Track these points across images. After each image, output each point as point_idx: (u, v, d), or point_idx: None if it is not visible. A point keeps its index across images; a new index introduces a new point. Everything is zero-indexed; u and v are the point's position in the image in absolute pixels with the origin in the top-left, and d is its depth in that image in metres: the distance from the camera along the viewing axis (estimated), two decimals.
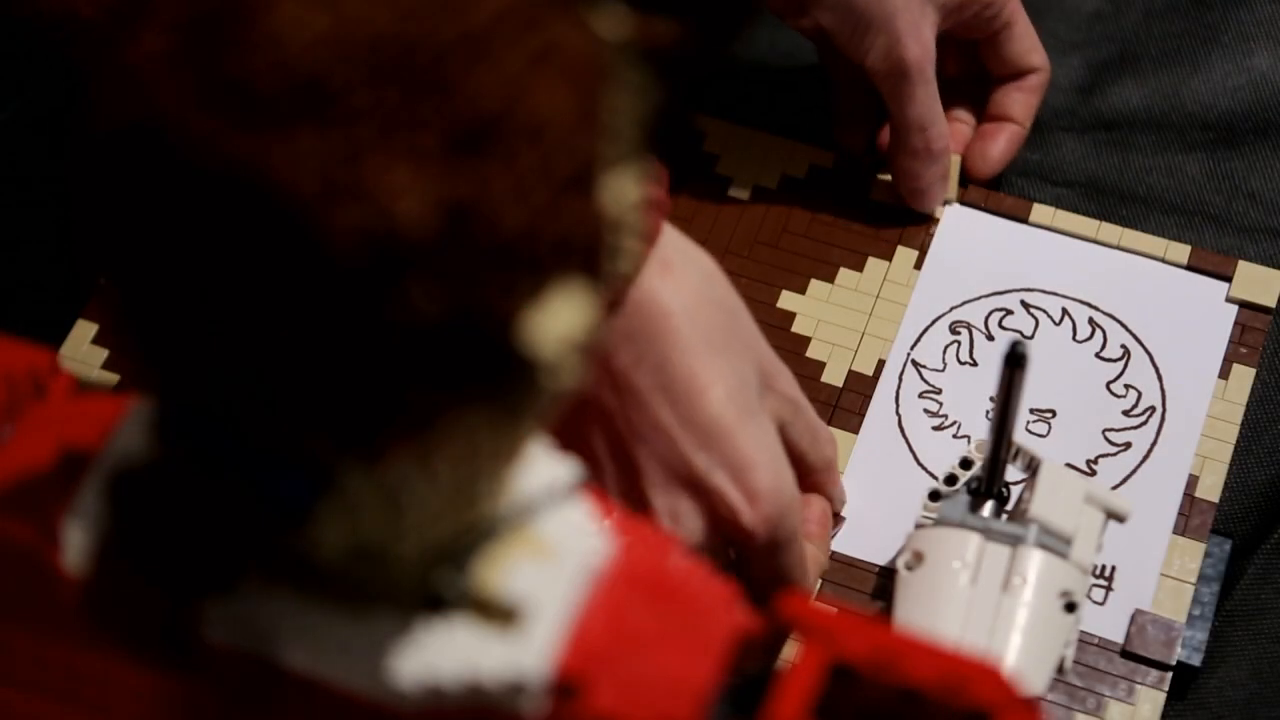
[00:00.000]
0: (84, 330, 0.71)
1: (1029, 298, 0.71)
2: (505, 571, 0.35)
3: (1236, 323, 0.70)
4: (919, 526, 0.59)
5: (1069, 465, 0.66)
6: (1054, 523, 0.56)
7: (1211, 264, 0.71)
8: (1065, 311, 0.71)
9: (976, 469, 0.59)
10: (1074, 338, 0.70)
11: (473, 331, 0.29)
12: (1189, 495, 0.66)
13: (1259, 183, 0.74)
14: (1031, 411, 0.68)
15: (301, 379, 0.29)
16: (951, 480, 0.60)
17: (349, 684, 0.35)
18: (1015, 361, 0.53)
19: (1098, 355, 0.69)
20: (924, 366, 0.69)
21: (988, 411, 0.67)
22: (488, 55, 0.29)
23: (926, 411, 0.68)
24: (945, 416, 0.68)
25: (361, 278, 0.28)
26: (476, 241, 0.29)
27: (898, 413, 0.68)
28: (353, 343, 0.29)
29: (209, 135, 0.28)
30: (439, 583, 0.34)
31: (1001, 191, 0.74)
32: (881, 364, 0.69)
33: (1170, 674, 0.63)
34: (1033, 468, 0.58)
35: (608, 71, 0.31)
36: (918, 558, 0.57)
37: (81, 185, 0.30)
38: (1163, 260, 0.72)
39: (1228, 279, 0.71)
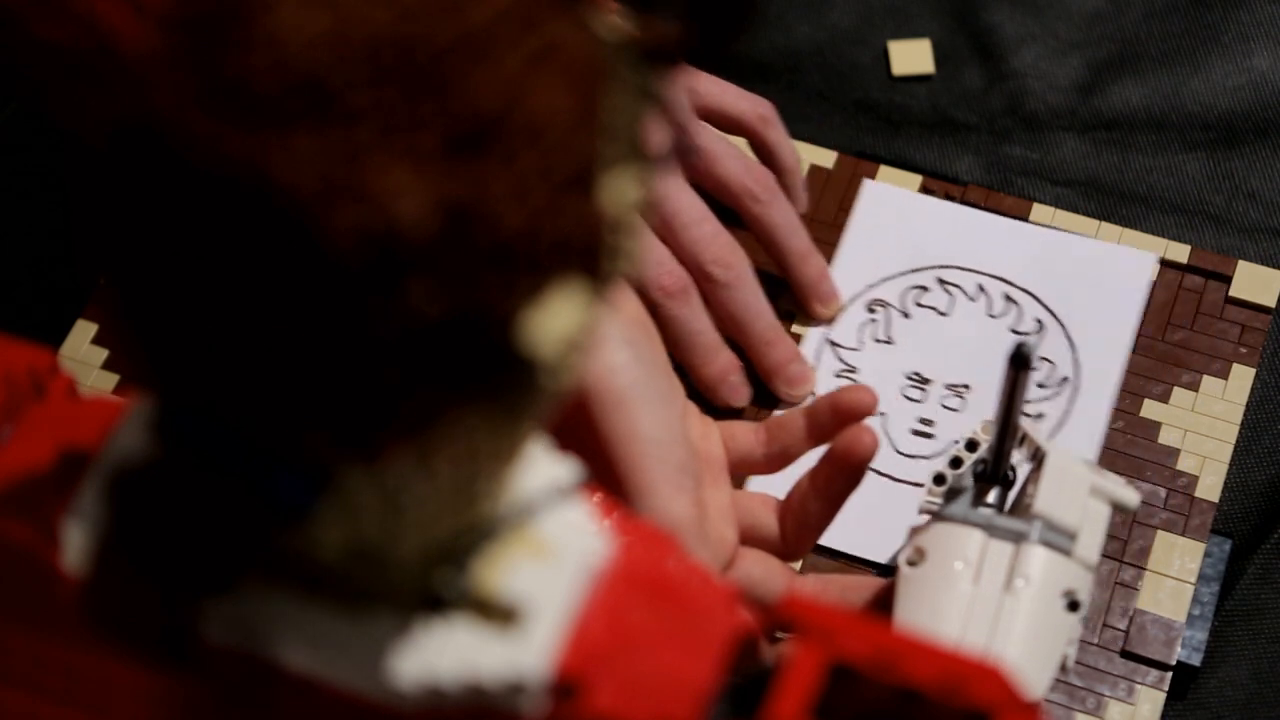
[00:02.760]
0: (84, 330, 0.71)
1: (946, 274, 0.72)
2: (505, 571, 0.35)
3: (1236, 323, 0.70)
4: (923, 512, 0.58)
5: None
6: (1058, 518, 0.56)
7: (1211, 264, 0.71)
8: (981, 288, 0.72)
9: (982, 450, 0.58)
10: (990, 313, 0.71)
11: (473, 331, 0.29)
12: (1189, 495, 0.66)
13: (1259, 183, 0.74)
14: (947, 387, 0.69)
15: (301, 379, 0.29)
16: (957, 463, 0.59)
17: (348, 684, 0.35)
18: (1020, 363, 0.53)
19: (1013, 330, 0.70)
20: (840, 346, 0.70)
21: (903, 388, 0.69)
22: (487, 55, 0.29)
23: None
24: None
25: (361, 278, 0.28)
26: (476, 242, 0.29)
27: (813, 393, 0.69)
28: (352, 343, 0.29)
29: (208, 135, 0.28)
30: (439, 583, 0.34)
31: (1001, 191, 0.74)
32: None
33: (1170, 674, 0.63)
34: (1038, 458, 0.58)
35: (608, 71, 0.31)
36: (920, 554, 0.57)
37: (81, 185, 0.30)
38: (1078, 234, 0.73)
39: (1228, 279, 0.71)
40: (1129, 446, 0.68)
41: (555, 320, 0.30)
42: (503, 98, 0.29)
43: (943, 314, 0.71)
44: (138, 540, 0.35)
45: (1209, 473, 0.67)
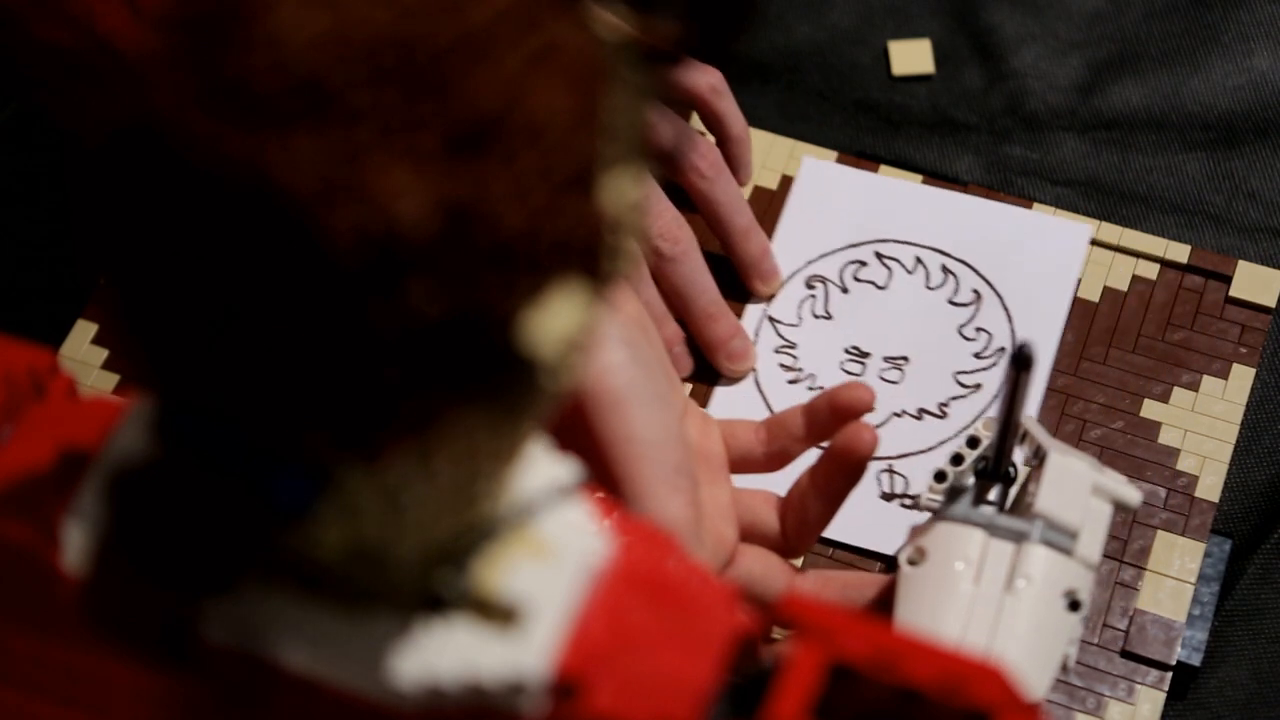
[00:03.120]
0: (84, 330, 0.71)
1: (883, 248, 0.73)
2: (505, 571, 0.35)
3: (1236, 323, 0.70)
4: (924, 509, 0.58)
5: (922, 410, 0.68)
6: (1059, 517, 0.56)
7: (1211, 264, 0.71)
8: (919, 260, 0.72)
9: (984, 448, 0.58)
10: (927, 285, 0.72)
11: (472, 331, 0.29)
12: (1189, 495, 0.66)
13: (1259, 183, 0.74)
14: (885, 360, 0.70)
15: (301, 378, 0.29)
16: (958, 460, 0.59)
17: (348, 684, 0.35)
18: (1022, 364, 0.53)
19: (950, 301, 0.71)
20: (780, 322, 0.71)
21: (842, 363, 0.70)
22: (487, 55, 0.29)
23: (782, 366, 0.70)
24: (800, 370, 0.70)
25: (361, 278, 0.28)
26: (476, 242, 0.29)
27: (754, 368, 0.70)
28: (352, 343, 0.29)
29: (208, 135, 0.28)
30: (439, 583, 0.34)
31: (1002, 191, 0.74)
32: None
33: (1170, 674, 0.63)
34: (1040, 456, 0.58)
35: (608, 71, 0.31)
36: (920, 553, 0.56)
37: (81, 185, 0.30)
38: (1013, 204, 0.73)
39: (1228, 279, 0.71)
40: (1129, 446, 0.68)
41: (555, 320, 0.30)
42: (503, 98, 0.29)
43: (881, 288, 0.72)
44: (138, 540, 0.35)
45: (1209, 473, 0.67)
